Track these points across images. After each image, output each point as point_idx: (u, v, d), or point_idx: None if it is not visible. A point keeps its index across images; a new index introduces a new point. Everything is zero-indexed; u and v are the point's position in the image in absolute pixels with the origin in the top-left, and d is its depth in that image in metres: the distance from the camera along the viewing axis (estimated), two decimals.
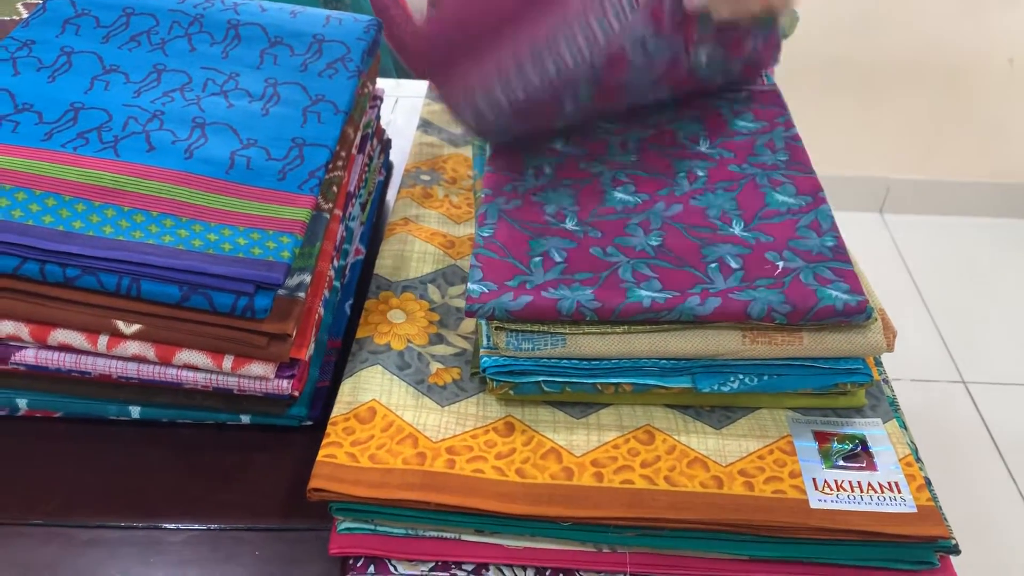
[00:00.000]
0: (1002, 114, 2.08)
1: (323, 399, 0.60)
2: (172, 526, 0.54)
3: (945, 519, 0.51)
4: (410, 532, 0.52)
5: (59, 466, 0.57)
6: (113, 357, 0.54)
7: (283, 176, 0.58)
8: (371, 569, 0.51)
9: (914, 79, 2.02)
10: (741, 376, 0.55)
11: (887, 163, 2.13)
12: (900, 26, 1.95)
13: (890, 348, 0.55)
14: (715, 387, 0.55)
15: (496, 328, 0.56)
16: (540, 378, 0.55)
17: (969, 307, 1.92)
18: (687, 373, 0.56)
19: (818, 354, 0.55)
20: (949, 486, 1.55)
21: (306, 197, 0.57)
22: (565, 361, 0.55)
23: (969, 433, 1.64)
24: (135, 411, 0.58)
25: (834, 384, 0.56)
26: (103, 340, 0.53)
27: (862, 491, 0.52)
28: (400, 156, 0.86)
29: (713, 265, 0.58)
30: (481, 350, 0.57)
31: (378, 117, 0.81)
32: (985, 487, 1.54)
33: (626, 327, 0.54)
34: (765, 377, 0.55)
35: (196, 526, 0.54)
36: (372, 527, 0.51)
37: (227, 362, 0.53)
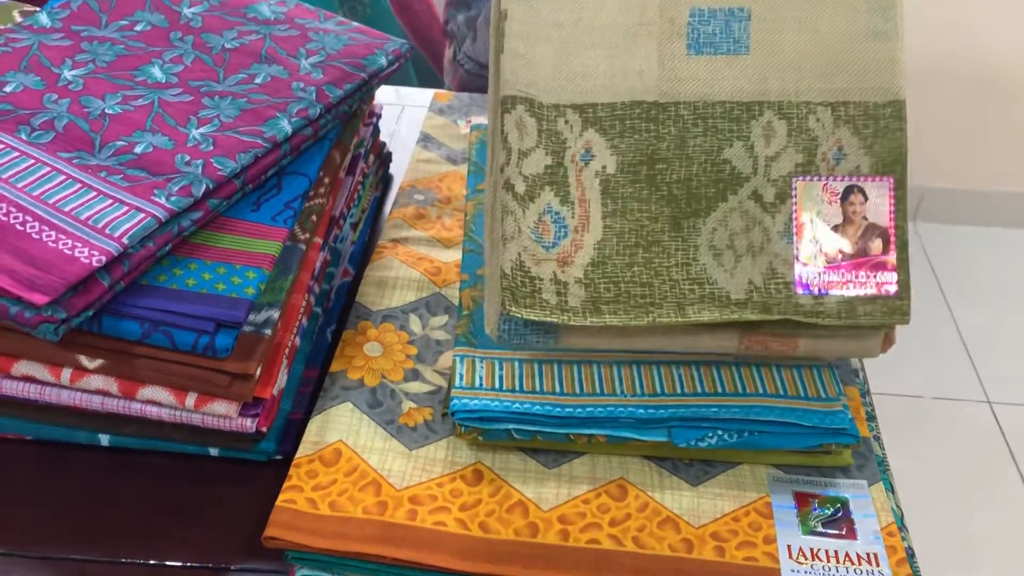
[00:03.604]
0: None
1: (295, 431, 0.59)
2: (131, 561, 0.53)
3: None
4: None
5: (26, 492, 0.57)
6: (77, 390, 0.53)
7: (258, 206, 0.57)
8: None
9: (951, 84, 1.96)
10: (719, 432, 0.53)
11: (921, 171, 2.07)
12: (939, 30, 1.89)
13: (884, 350, 0.54)
14: (691, 442, 0.53)
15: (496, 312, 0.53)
16: (510, 425, 0.53)
17: (999, 324, 1.86)
18: (663, 426, 0.54)
19: (811, 357, 0.53)
20: (969, 509, 1.51)
21: (279, 229, 0.56)
22: (537, 407, 0.54)
23: (992, 456, 1.59)
24: (104, 439, 0.58)
25: (818, 444, 0.53)
26: (66, 373, 0.52)
27: (838, 562, 0.49)
28: (401, 170, 0.84)
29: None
30: (452, 391, 0.55)
31: (376, 132, 0.79)
32: (1006, 512, 1.50)
33: (622, 321, 0.51)
34: (745, 434, 0.53)
35: (154, 562, 0.53)
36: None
37: (190, 400, 0.52)
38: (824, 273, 0.51)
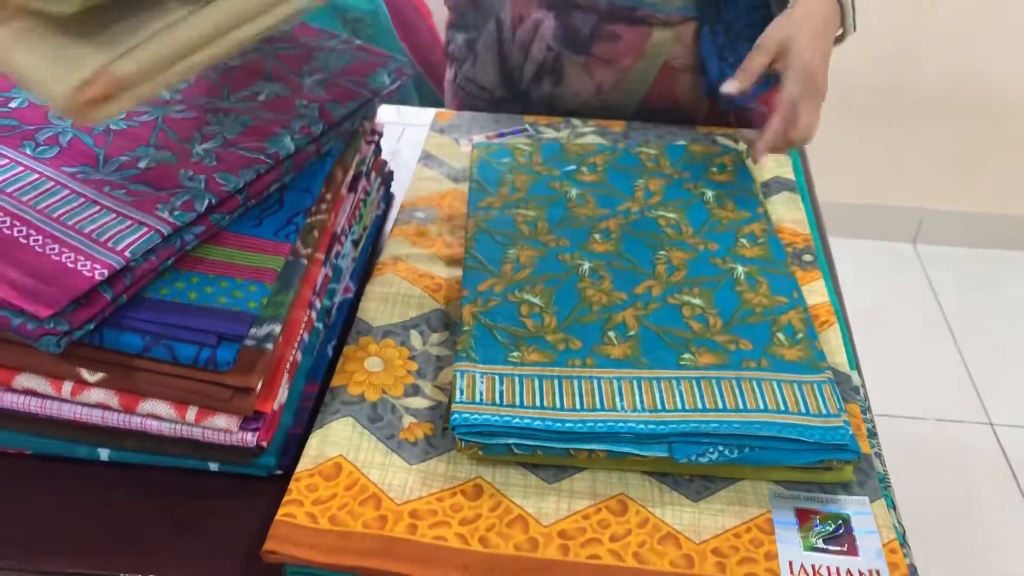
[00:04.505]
0: None
1: (296, 446, 0.59)
2: (131, 575, 0.53)
3: None
4: None
5: (28, 507, 0.56)
6: (78, 403, 0.53)
7: (260, 222, 0.57)
8: None
9: (952, 109, 1.97)
10: (720, 447, 0.53)
11: (922, 193, 2.08)
12: (939, 56, 1.90)
13: None
14: (692, 457, 0.53)
15: None
16: (510, 440, 0.53)
17: (1001, 345, 1.86)
18: (664, 441, 0.53)
19: None
20: (971, 534, 1.50)
21: (281, 244, 0.56)
22: (538, 422, 0.54)
23: (995, 478, 1.58)
24: (104, 453, 0.57)
25: (819, 460, 0.53)
26: (67, 387, 0.52)
27: None
28: (403, 188, 0.84)
29: None
30: (453, 405, 0.55)
31: (378, 151, 0.80)
32: (1009, 535, 1.49)
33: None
34: (746, 449, 0.53)
35: None
36: None
37: (191, 413, 0.52)
38: None
